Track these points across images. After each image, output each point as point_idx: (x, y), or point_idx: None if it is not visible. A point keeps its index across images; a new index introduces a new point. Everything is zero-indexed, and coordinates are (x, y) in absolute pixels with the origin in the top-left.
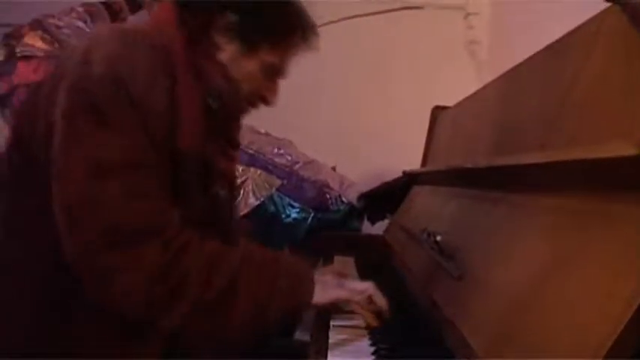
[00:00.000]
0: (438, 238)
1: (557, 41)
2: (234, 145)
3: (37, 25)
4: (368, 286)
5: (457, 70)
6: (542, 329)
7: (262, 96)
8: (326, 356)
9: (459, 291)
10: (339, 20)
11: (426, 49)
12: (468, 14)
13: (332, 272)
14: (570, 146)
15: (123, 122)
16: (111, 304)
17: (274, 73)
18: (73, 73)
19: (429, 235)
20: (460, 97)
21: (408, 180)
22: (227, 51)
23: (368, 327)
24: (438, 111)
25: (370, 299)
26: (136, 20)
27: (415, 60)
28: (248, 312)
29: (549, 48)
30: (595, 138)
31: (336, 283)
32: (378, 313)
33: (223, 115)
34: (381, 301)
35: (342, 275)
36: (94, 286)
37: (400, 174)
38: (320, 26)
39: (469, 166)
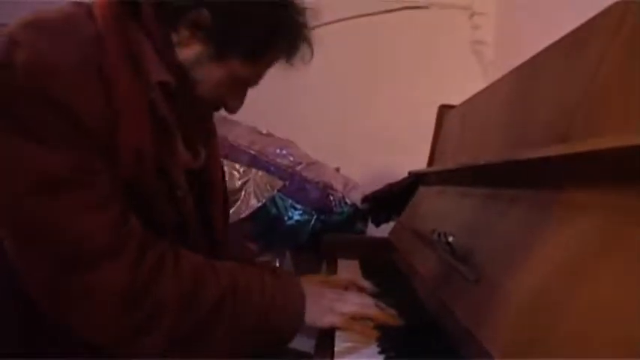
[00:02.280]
0: (450, 239)
1: (576, 31)
2: (206, 139)
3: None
4: (360, 307)
5: (463, 70)
6: (572, 335)
7: (224, 103)
8: None
9: (476, 296)
10: (343, 19)
11: (431, 49)
12: (474, 14)
13: (334, 283)
14: (594, 138)
15: (54, 133)
16: (75, 332)
17: (244, 83)
18: None
19: (439, 236)
20: (466, 98)
21: (414, 181)
22: (191, 50)
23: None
24: (444, 110)
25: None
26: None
27: (420, 60)
28: (229, 343)
29: (567, 38)
30: (620, 129)
31: (328, 308)
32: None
33: (176, 112)
34: (379, 315)
35: (345, 285)
36: (55, 314)
37: (405, 176)
38: (324, 25)
39: (482, 162)
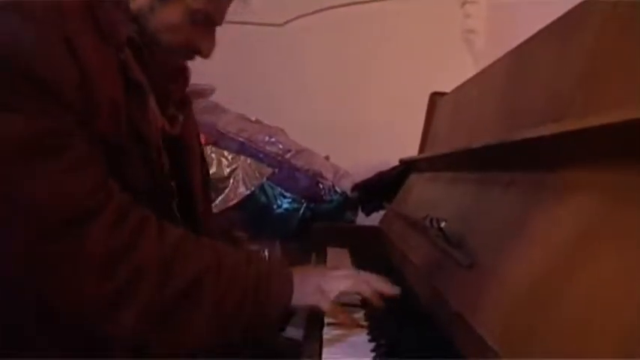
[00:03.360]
0: (443, 224)
1: (571, 12)
2: (181, 105)
3: None
4: (345, 281)
5: (454, 59)
6: (571, 321)
7: (194, 47)
8: (320, 354)
9: (470, 282)
10: (333, 7)
11: (422, 38)
12: (465, 3)
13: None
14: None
15: (25, 103)
16: (51, 305)
17: (205, 19)
18: None
19: (431, 221)
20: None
21: (405, 169)
22: None
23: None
24: (436, 97)
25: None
26: None
27: (411, 49)
28: (211, 322)
29: (561, 20)
30: (619, 107)
31: (316, 286)
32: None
33: (148, 70)
34: (367, 291)
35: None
36: (30, 285)
37: (396, 164)
38: (313, 14)
39: (476, 146)
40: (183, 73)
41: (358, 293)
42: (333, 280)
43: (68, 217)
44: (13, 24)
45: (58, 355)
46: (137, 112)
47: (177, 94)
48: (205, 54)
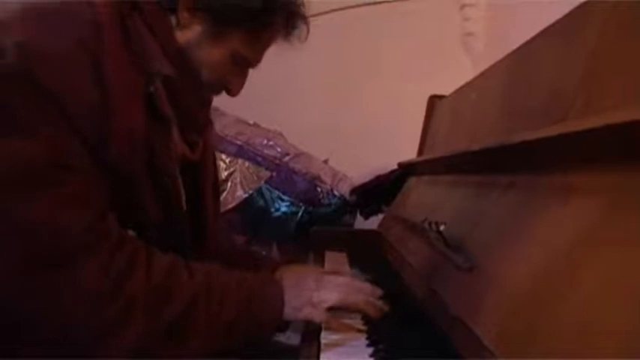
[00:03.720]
0: (442, 227)
1: (572, 13)
2: (203, 132)
3: None
4: (338, 292)
5: (453, 62)
6: (572, 325)
7: (225, 86)
8: (318, 358)
9: (469, 285)
10: (332, 11)
11: (421, 42)
12: (464, 6)
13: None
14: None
15: (37, 123)
16: (40, 329)
17: (244, 63)
18: None
19: (430, 224)
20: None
21: (404, 172)
22: (192, 32)
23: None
24: (435, 100)
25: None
26: None
27: (410, 52)
28: (205, 346)
29: (562, 21)
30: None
31: (307, 299)
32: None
33: (177, 103)
34: (359, 303)
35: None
36: (20, 313)
37: (394, 167)
38: (312, 16)
39: (476, 148)
40: (208, 103)
41: (351, 305)
42: (326, 292)
43: (63, 250)
44: (46, 35)
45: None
46: (159, 144)
47: (201, 120)
48: (234, 93)
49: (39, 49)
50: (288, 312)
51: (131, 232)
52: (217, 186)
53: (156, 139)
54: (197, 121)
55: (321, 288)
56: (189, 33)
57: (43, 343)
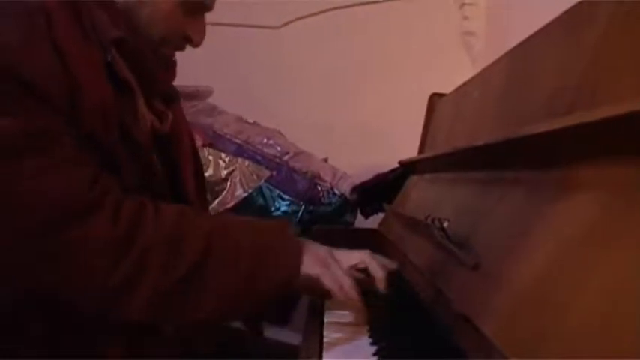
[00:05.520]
0: (445, 224)
1: (575, 7)
2: (170, 99)
3: None
4: (358, 258)
5: (452, 61)
6: (581, 325)
7: (186, 36)
8: (320, 357)
9: (475, 282)
10: (331, 9)
11: (420, 40)
12: (464, 4)
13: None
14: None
15: (9, 99)
16: (57, 294)
17: (197, 8)
18: None
19: (433, 221)
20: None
21: (405, 170)
22: None
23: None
24: (435, 98)
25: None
26: None
27: (409, 51)
28: (222, 291)
29: (565, 15)
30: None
31: (323, 258)
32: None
33: (137, 69)
34: (377, 272)
35: None
36: (35, 283)
37: (395, 166)
38: (311, 15)
39: (479, 143)
40: (171, 65)
41: (366, 269)
42: (344, 254)
43: (69, 211)
44: (1, 28)
45: (53, 342)
46: (127, 113)
47: (164, 86)
48: (197, 43)
49: None
50: (306, 264)
51: None
52: (198, 159)
53: (123, 110)
54: (161, 86)
55: (336, 255)
56: None
57: (61, 306)
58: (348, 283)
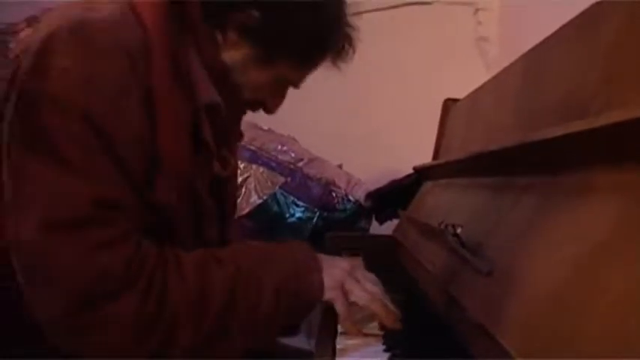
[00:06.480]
0: (459, 230)
1: (589, 10)
2: (232, 146)
3: (34, 20)
4: (369, 296)
5: (466, 67)
6: (600, 332)
7: (264, 104)
8: None
9: (489, 289)
10: None
11: (434, 46)
12: (478, 10)
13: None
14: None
15: (85, 160)
16: None
17: (287, 84)
18: (23, 84)
19: (447, 227)
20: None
21: (419, 176)
22: (238, 52)
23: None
24: (449, 103)
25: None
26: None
27: (423, 56)
28: (248, 332)
29: (579, 18)
30: None
31: (339, 281)
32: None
33: (218, 127)
34: (382, 313)
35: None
36: (68, 348)
37: (410, 172)
38: None
39: (493, 148)
40: (240, 119)
41: (373, 312)
42: (357, 286)
43: (106, 288)
44: (96, 62)
45: None
46: (200, 174)
47: (234, 138)
48: (271, 112)
49: (89, 76)
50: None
51: None
52: (236, 198)
53: (197, 168)
54: (231, 139)
55: (355, 278)
56: (235, 53)
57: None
58: (364, 302)
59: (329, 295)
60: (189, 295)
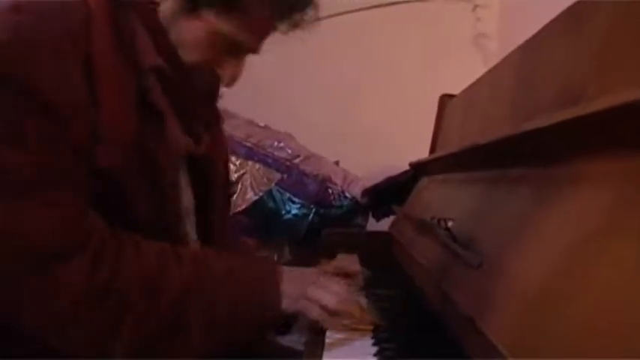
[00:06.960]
0: (450, 224)
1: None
2: (211, 126)
3: None
4: (335, 299)
5: (465, 63)
6: (587, 324)
7: (215, 71)
8: (321, 357)
9: (479, 282)
10: (346, 12)
11: (433, 42)
12: (477, 6)
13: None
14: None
15: (23, 124)
16: (43, 336)
17: (234, 46)
18: None
19: (438, 222)
20: None
21: (415, 173)
22: (166, 4)
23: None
24: (446, 99)
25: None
26: None
27: (422, 53)
28: (203, 338)
29: (573, 8)
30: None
31: (303, 291)
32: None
33: (172, 92)
34: (351, 314)
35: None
36: (19, 317)
37: (406, 169)
38: (323, 19)
39: (486, 141)
40: (215, 95)
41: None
42: (323, 291)
43: (45, 252)
44: (35, 35)
45: None
46: (153, 140)
47: (206, 115)
48: (226, 83)
49: (28, 49)
50: (286, 302)
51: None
52: (228, 186)
53: (149, 135)
54: (201, 116)
55: (319, 285)
56: (164, 8)
57: (38, 349)
58: (334, 304)
59: (296, 306)
60: (144, 273)
